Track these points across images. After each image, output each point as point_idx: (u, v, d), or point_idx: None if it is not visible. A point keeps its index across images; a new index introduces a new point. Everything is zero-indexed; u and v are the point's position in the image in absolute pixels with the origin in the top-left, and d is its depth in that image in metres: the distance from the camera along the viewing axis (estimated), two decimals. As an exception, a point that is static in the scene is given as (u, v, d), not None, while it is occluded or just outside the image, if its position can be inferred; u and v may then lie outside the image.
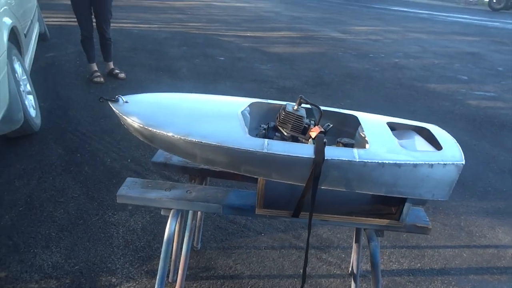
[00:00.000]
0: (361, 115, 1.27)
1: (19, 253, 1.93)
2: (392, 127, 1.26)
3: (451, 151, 1.08)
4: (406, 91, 4.77)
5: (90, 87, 4.15)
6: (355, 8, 13.73)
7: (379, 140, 1.09)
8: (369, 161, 1.00)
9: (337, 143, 1.12)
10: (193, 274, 1.86)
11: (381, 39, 8.02)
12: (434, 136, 1.17)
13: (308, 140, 1.13)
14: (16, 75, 2.84)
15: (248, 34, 7.44)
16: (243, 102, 1.25)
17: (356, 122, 1.25)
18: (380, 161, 1.01)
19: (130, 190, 1.20)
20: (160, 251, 1.99)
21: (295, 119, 1.12)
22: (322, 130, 1.10)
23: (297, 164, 1.01)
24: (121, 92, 4.03)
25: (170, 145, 1.08)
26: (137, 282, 1.80)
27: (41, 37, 5.55)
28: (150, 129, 1.06)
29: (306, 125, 1.16)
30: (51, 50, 5.37)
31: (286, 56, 6.00)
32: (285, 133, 1.14)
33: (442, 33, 9.42)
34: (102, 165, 2.72)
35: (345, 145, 1.10)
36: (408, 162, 1.01)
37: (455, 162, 1.04)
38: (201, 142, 1.01)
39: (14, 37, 3.09)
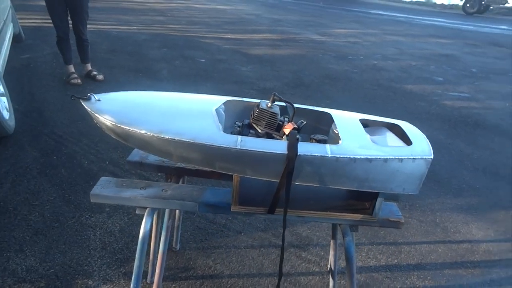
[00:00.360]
0: (335, 113, 1.29)
1: (-9, 258, 1.88)
2: (365, 123, 1.29)
3: (421, 146, 1.11)
4: (384, 92, 4.87)
5: (67, 89, 4.07)
6: (335, 11, 13.94)
7: (351, 136, 1.12)
8: (341, 156, 1.02)
9: (310, 140, 1.14)
10: (172, 274, 1.85)
11: (360, 41, 8.17)
12: (405, 132, 1.20)
13: (282, 136, 1.15)
14: (-12, 76, 2.77)
15: (229, 36, 7.45)
16: (218, 100, 1.25)
17: (329, 119, 1.27)
18: (351, 156, 1.03)
19: (104, 189, 1.18)
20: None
21: (269, 116, 1.14)
22: (296, 126, 1.11)
23: (271, 160, 1.02)
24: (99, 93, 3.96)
25: (144, 143, 1.08)
26: (114, 284, 1.77)
27: (16, 38, 5.41)
28: (123, 126, 1.05)
29: (280, 122, 1.17)
30: (27, 52, 5.24)
31: (267, 58, 6.03)
32: (259, 130, 1.15)
33: (419, 35, 9.66)
34: (79, 167, 2.67)
35: (318, 141, 1.11)
36: (378, 157, 1.04)
37: (424, 157, 1.07)
38: (174, 139, 1.01)
39: (-15, 38, 3.01)
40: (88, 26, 4.20)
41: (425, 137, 1.18)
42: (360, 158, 1.03)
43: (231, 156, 1.01)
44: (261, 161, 1.02)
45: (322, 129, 1.31)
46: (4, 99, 3.10)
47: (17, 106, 3.55)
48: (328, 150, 1.03)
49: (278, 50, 6.72)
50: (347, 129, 1.16)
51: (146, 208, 1.19)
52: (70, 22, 4.00)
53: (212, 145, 1.00)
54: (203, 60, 5.59)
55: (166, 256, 1.42)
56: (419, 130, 1.23)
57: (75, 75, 4.21)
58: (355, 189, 1.08)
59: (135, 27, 7.48)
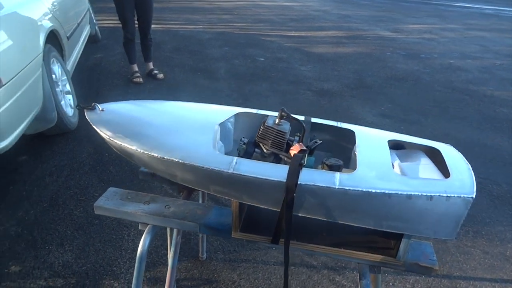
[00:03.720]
0: (360, 130, 1.11)
1: (35, 249, 2.00)
2: (398, 145, 1.09)
3: (460, 180, 0.90)
4: (458, 95, 4.35)
5: (129, 87, 4.28)
6: (411, 5, 12.95)
7: (372, 162, 0.94)
8: (352, 188, 0.86)
9: (322, 164, 0.98)
10: (194, 285, 1.80)
11: (436, 37, 7.45)
12: (444, 160, 0.98)
13: (290, 158, 1.01)
14: (54, 76, 2.99)
15: (292, 34, 7.29)
16: (228, 112, 1.15)
17: (353, 138, 1.09)
18: (365, 190, 0.86)
19: (108, 201, 1.15)
20: (167, 259, 1.95)
21: (275, 134, 1.00)
22: (303, 148, 0.96)
23: (268, 187, 0.89)
24: (157, 93, 4.11)
25: (141, 160, 1.02)
26: (138, 289, 1.77)
27: (92, 39, 5.85)
28: (116, 141, 1.00)
29: (290, 141, 1.03)
30: (100, 51, 5.64)
31: (329, 57, 5.77)
32: (265, 150, 1.02)
33: (508, 30, 8.53)
34: (127, 166, 2.76)
35: (330, 167, 0.95)
36: (400, 192, 0.85)
37: (462, 195, 0.85)
38: (163, 158, 0.93)
39: (56, 40, 3.25)
40: (158, 25, 4.38)
41: (469, 168, 0.96)
42: (376, 192, 0.85)
43: (224, 180, 0.91)
44: (257, 188, 0.90)
45: (346, 149, 1.14)
46: (69, 97, 3.34)
47: (82, 104, 3.80)
48: (336, 180, 0.87)
49: (342, 48, 6.39)
50: (369, 152, 0.98)
51: (148, 224, 1.14)
52: (136, 23, 4.21)
53: (203, 167, 0.90)
54: (262, 59, 5.52)
55: (175, 272, 1.37)
56: (463, 159, 1.00)
57: (138, 74, 4.43)
58: (370, 227, 0.91)
59: (201, 26, 7.67)
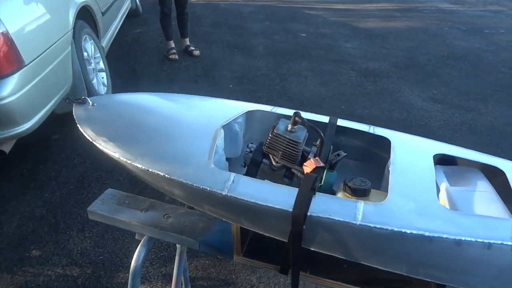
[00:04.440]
0: (398, 138, 0.88)
1: (57, 234, 1.99)
2: (448, 160, 0.85)
3: (534, 220, 0.65)
4: (526, 79, 3.80)
5: (164, 64, 4.19)
6: (478, -28, 11.62)
7: (409, 186, 0.72)
8: (378, 226, 0.65)
9: (344, 187, 0.77)
10: (210, 285, 1.70)
11: (504, 10, 6.61)
12: (510, 185, 0.73)
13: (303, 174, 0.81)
14: (86, 53, 2.93)
15: (339, 7, 6.79)
16: (237, 109, 0.96)
17: (388, 149, 0.86)
18: (396, 230, 0.65)
19: (103, 205, 1.04)
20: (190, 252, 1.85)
21: (287, 144, 0.81)
22: (320, 165, 0.76)
23: (270, 216, 0.71)
24: (191, 70, 3.98)
25: (124, 168, 0.87)
26: (151, 285, 1.70)
27: (133, 13, 5.79)
28: (98, 145, 0.86)
29: (306, 152, 0.83)
30: (140, 26, 5.59)
31: (377, 32, 5.29)
32: (274, 162, 0.84)
33: None
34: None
35: (354, 191, 0.75)
36: (446, 236, 0.63)
37: (536, 244, 0.62)
38: (148, 171, 0.78)
39: (90, 16, 3.18)
40: (198, -1, 4.22)
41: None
42: (412, 234, 0.64)
43: (218, 202, 0.74)
44: (258, 215, 0.72)
45: (379, 160, 0.92)
46: (103, 74, 3.30)
47: (118, 80, 3.77)
48: (358, 212, 0.67)
49: (393, 22, 5.85)
50: (406, 172, 0.75)
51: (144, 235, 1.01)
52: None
53: (191, 185, 0.73)
54: (304, 35, 5.19)
55: (180, 283, 1.25)
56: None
57: (174, 51, 4.32)
58: (403, 273, 0.70)
59: (243, -1, 7.38)
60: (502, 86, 3.64)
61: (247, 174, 0.84)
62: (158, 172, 0.77)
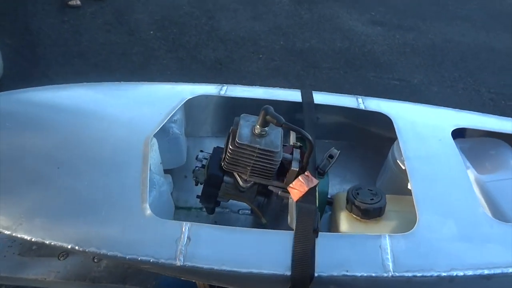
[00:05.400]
0: (400, 114, 0.64)
1: None
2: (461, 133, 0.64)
3: None
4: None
5: (64, 13, 3.46)
6: None
7: (440, 193, 0.50)
8: (419, 274, 0.44)
9: (348, 206, 0.53)
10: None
11: None
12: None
13: (285, 189, 0.57)
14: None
15: None
16: (170, 98, 0.65)
17: (388, 127, 0.63)
18: (445, 274, 0.44)
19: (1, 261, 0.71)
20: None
21: (258, 157, 0.54)
22: (315, 184, 0.51)
23: (254, 283, 0.47)
24: (100, 18, 3.33)
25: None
26: None
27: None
28: None
29: (285, 160, 0.58)
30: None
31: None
32: (241, 181, 0.57)
33: None
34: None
35: (365, 212, 0.51)
36: (510, 271, 0.44)
37: None
38: (45, 242, 0.47)
39: None
40: None
41: None
42: (466, 276, 0.44)
43: (174, 271, 0.47)
44: (237, 283, 0.47)
45: (373, 140, 0.69)
46: (-15, 38, 2.61)
47: (9, 41, 3.05)
48: (386, 256, 0.44)
49: None
50: (429, 170, 0.53)
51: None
52: None
53: (124, 258, 0.45)
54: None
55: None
56: None
57: (74, -5, 3.57)
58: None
59: None
60: (436, 0, 3.55)
61: (204, 199, 0.58)
62: (62, 244, 0.47)
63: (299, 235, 0.46)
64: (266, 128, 0.58)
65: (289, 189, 0.56)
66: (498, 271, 0.46)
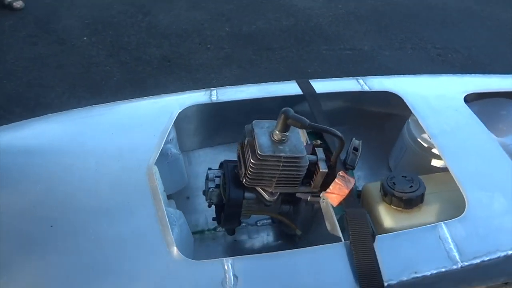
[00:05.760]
0: (405, 88, 0.60)
1: None
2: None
3: None
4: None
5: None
6: None
7: (478, 166, 0.48)
8: (487, 258, 0.41)
9: (387, 197, 0.48)
10: None
11: None
12: None
13: (318, 192, 0.52)
14: None
15: None
16: (158, 116, 0.56)
17: (399, 106, 0.60)
18: (511, 252, 0.42)
19: None
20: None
21: (284, 166, 0.48)
22: (353, 183, 0.46)
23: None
24: (22, 29, 2.98)
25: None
26: None
27: None
28: None
29: (311, 162, 0.52)
30: None
31: None
32: (267, 196, 0.51)
33: None
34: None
35: (408, 202, 0.46)
36: None
37: None
38: None
39: None
40: None
41: None
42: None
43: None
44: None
45: (384, 120, 0.66)
46: None
47: None
48: (449, 246, 0.41)
49: None
50: (458, 146, 0.50)
51: None
52: None
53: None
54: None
55: None
56: None
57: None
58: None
59: None
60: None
61: (227, 222, 0.51)
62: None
63: (357, 244, 0.41)
64: (287, 133, 0.53)
65: (326, 195, 0.50)
66: None
